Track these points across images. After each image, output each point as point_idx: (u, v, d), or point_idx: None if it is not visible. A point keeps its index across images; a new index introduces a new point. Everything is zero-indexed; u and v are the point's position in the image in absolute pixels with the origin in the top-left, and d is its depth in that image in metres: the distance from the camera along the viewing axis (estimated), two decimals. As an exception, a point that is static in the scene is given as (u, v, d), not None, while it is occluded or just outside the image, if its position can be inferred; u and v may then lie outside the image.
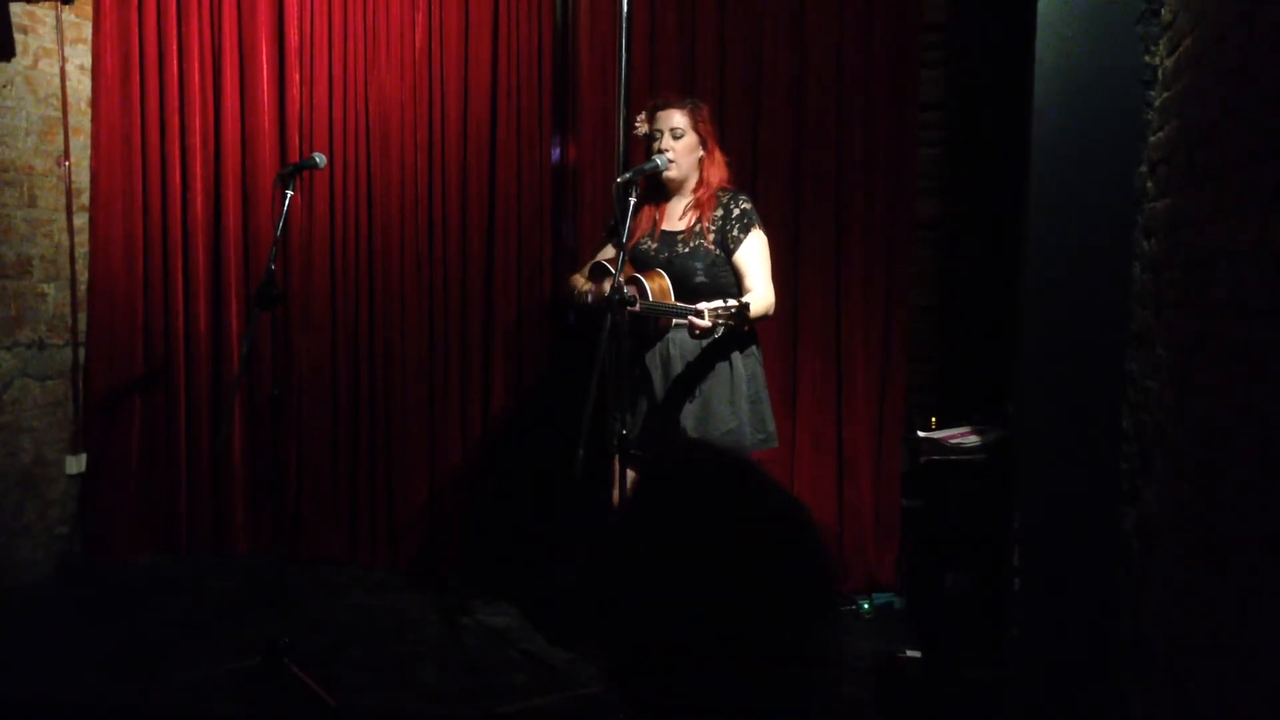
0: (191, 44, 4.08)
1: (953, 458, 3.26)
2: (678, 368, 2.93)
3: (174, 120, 4.10)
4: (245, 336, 3.55)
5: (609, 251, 3.08)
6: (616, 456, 2.72)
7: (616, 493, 2.74)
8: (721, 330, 2.71)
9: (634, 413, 2.90)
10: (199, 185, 4.12)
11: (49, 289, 3.98)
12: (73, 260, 4.07)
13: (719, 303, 2.65)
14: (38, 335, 3.93)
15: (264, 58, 4.04)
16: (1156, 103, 2.51)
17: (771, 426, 3.03)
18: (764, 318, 2.91)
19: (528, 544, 3.96)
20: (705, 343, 2.87)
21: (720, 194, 2.98)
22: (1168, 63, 2.41)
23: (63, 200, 4.04)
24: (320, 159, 3.19)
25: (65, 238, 4.05)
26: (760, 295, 2.88)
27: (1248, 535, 1.67)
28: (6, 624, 3.50)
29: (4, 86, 3.76)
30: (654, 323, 2.92)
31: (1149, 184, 2.52)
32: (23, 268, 3.85)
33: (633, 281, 2.89)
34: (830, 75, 3.69)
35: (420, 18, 3.97)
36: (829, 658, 0.83)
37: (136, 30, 4.07)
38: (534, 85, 3.90)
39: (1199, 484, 1.97)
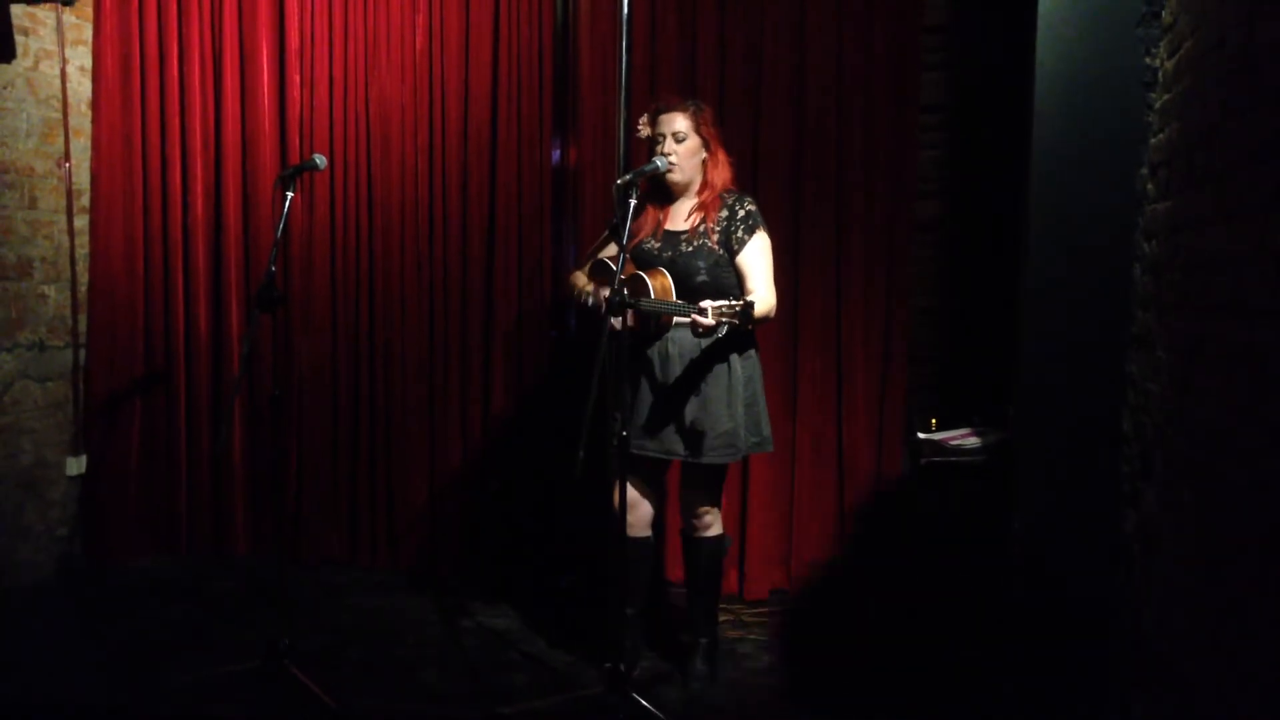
0: (192, 46, 4.08)
1: (953, 459, 3.26)
2: (676, 367, 2.92)
3: (174, 122, 4.11)
4: (245, 338, 3.56)
5: (611, 249, 3.07)
6: (616, 457, 2.72)
7: (616, 493, 2.73)
8: (725, 329, 2.71)
9: (633, 411, 2.90)
10: (199, 187, 4.12)
11: (49, 290, 3.99)
12: (73, 262, 4.07)
13: (723, 301, 2.65)
14: (38, 337, 3.93)
15: (264, 59, 4.04)
16: (1157, 105, 2.51)
17: (767, 430, 3.03)
18: (765, 320, 2.91)
19: (528, 544, 3.96)
20: (705, 343, 2.87)
21: (725, 195, 2.98)
22: (1168, 65, 2.42)
23: (63, 202, 4.04)
24: (321, 160, 3.18)
25: (66, 239, 4.05)
26: (762, 297, 2.88)
27: (1248, 537, 1.67)
28: (7, 625, 3.50)
29: (5, 88, 3.76)
30: (655, 321, 2.92)
31: (1149, 186, 2.53)
32: (23, 269, 3.85)
33: (635, 279, 2.89)
34: (830, 76, 3.69)
35: (420, 19, 3.98)
36: None
37: (137, 32, 4.08)
38: (534, 86, 3.90)
39: (1199, 486, 1.97)
